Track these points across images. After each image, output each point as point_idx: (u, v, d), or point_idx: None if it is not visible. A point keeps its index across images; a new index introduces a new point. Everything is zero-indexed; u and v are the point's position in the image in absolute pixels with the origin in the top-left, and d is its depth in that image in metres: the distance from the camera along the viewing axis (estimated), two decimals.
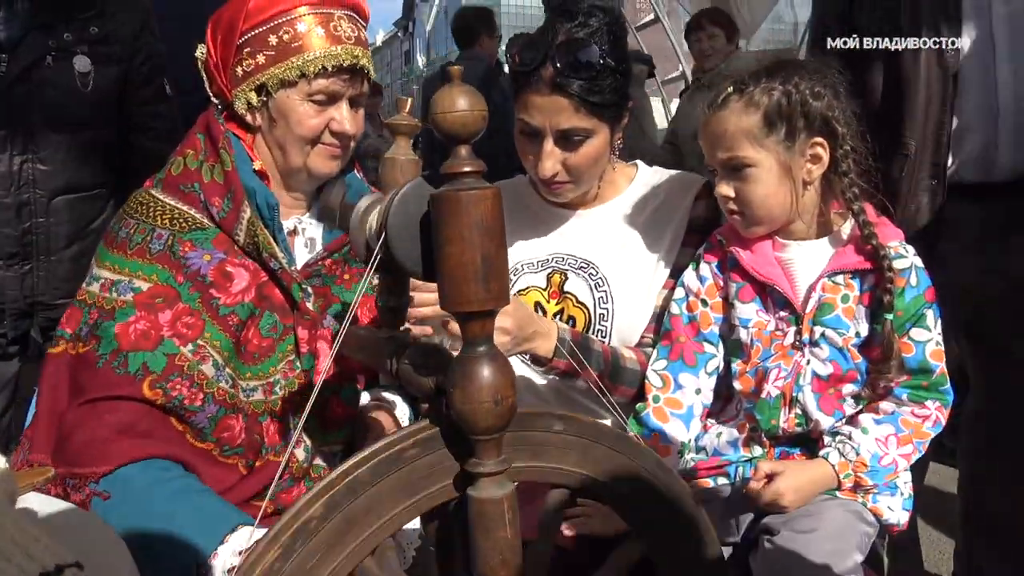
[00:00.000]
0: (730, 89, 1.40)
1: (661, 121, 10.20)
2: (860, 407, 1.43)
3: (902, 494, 1.44)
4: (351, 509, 0.79)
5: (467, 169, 0.77)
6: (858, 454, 1.37)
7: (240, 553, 1.10)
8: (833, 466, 1.37)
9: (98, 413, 1.24)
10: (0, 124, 1.73)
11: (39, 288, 1.84)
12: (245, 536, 1.12)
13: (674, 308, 1.52)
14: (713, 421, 1.53)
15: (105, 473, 1.19)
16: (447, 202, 0.76)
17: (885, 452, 1.37)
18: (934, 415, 1.40)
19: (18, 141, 1.75)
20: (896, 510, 1.41)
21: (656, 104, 10.12)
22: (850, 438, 1.39)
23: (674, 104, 11.14)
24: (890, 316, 1.35)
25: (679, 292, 1.52)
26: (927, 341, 1.38)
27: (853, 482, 1.37)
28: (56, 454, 1.25)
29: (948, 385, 1.41)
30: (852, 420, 1.42)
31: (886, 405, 1.41)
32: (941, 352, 1.39)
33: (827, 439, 1.41)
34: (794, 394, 1.41)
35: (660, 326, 1.56)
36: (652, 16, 10.51)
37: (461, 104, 0.77)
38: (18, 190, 1.77)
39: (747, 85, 1.38)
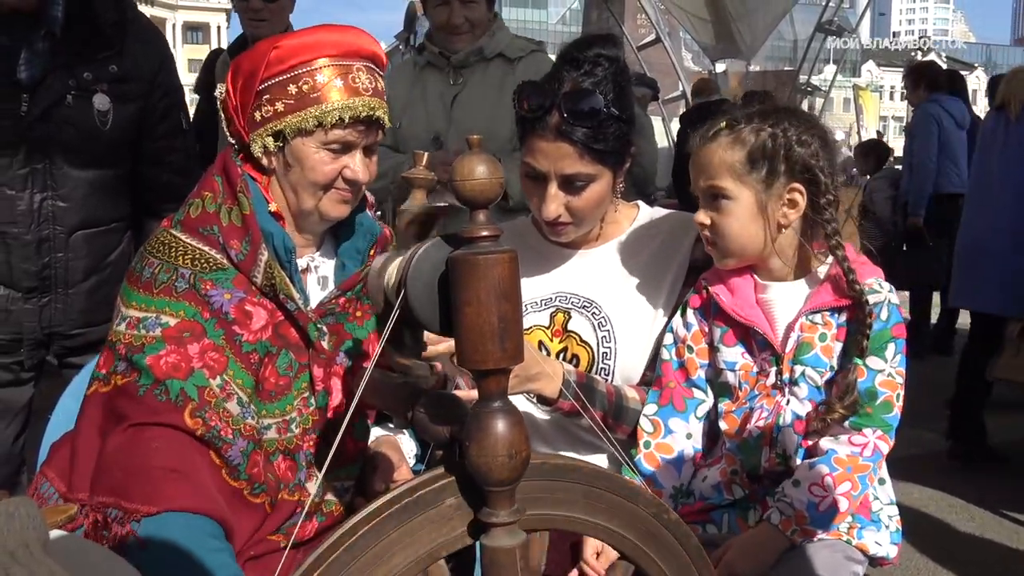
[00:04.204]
0: (723, 124, 1.46)
1: (661, 139, 10.29)
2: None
3: (887, 527, 1.47)
4: (367, 556, 0.83)
5: (485, 233, 0.82)
6: (794, 508, 1.39)
7: None
8: (776, 526, 1.39)
9: (145, 439, 1.26)
10: (21, 162, 1.76)
11: (56, 319, 1.87)
12: None
13: (664, 354, 1.56)
14: (701, 462, 1.56)
15: (150, 514, 1.21)
16: (465, 265, 0.80)
17: (823, 496, 1.38)
18: (872, 443, 1.41)
19: (38, 179, 1.78)
20: (884, 544, 1.45)
21: (656, 123, 10.21)
22: (785, 493, 1.41)
23: (675, 123, 11.24)
24: (860, 361, 1.39)
25: (668, 337, 1.57)
26: (880, 370, 1.41)
27: (802, 535, 1.39)
28: (97, 481, 1.27)
29: (894, 414, 1.42)
30: (790, 471, 1.45)
31: (823, 443, 1.43)
32: (893, 383, 1.42)
33: (768, 500, 1.44)
34: (774, 434, 1.44)
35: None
36: (653, 36, 10.60)
37: (480, 172, 0.82)
38: (38, 226, 1.80)
39: (739, 122, 1.44)
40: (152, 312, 1.34)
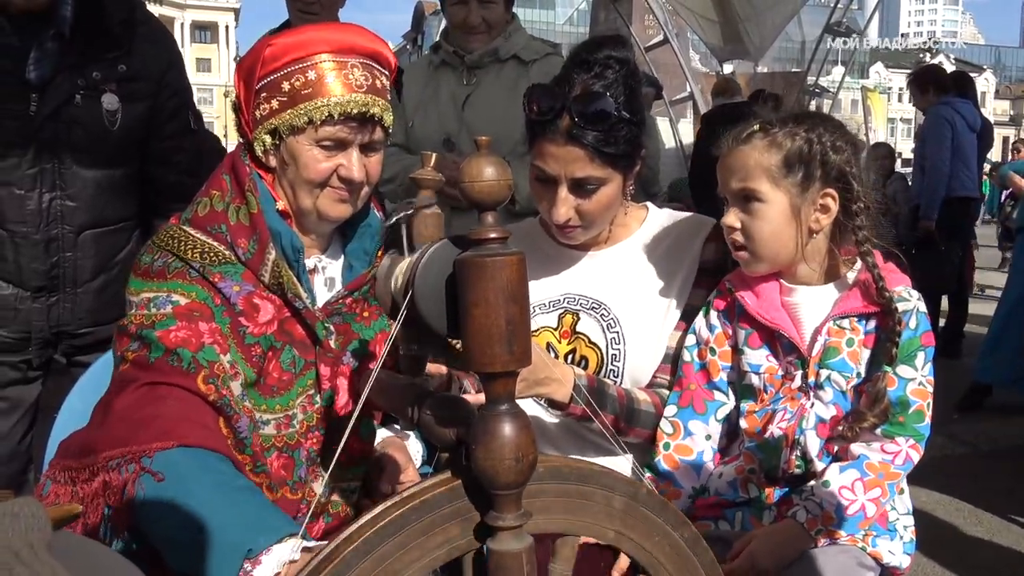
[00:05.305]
0: (755, 127, 1.45)
1: (669, 140, 10.29)
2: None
3: (901, 537, 1.46)
4: (374, 558, 0.83)
5: (492, 235, 0.81)
6: (822, 508, 1.38)
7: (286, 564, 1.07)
8: (802, 524, 1.39)
9: (157, 396, 1.25)
10: (30, 162, 1.76)
11: (64, 318, 1.87)
12: (290, 548, 1.09)
13: (686, 355, 1.56)
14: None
15: (163, 449, 1.18)
16: (473, 267, 0.80)
17: (852, 500, 1.38)
18: (904, 452, 1.41)
19: (47, 179, 1.78)
20: (897, 553, 1.44)
21: (663, 124, 10.21)
22: (813, 493, 1.40)
23: (682, 124, 11.23)
24: (889, 369, 1.39)
25: (690, 339, 1.56)
26: (911, 379, 1.41)
27: (826, 536, 1.38)
28: (104, 439, 1.24)
29: (925, 423, 1.42)
30: (820, 472, 1.44)
31: (855, 448, 1.42)
32: (924, 392, 1.41)
33: (795, 497, 1.44)
34: (796, 436, 1.44)
35: (672, 367, 1.59)
36: (661, 37, 10.59)
37: (488, 174, 0.81)
38: (47, 226, 1.80)
39: (773, 126, 1.44)
40: (163, 292, 1.33)
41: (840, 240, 1.46)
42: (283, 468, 1.36)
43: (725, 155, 1.48)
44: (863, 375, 1.43)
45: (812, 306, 1.47)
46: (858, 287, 1.44)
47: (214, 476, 1.18)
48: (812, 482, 1.43)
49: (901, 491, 1.50)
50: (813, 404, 1.44)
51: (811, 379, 1.44)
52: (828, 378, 1.43)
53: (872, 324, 1.43)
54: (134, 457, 1.19)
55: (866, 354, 1.43)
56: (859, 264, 1.45)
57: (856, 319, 1.43)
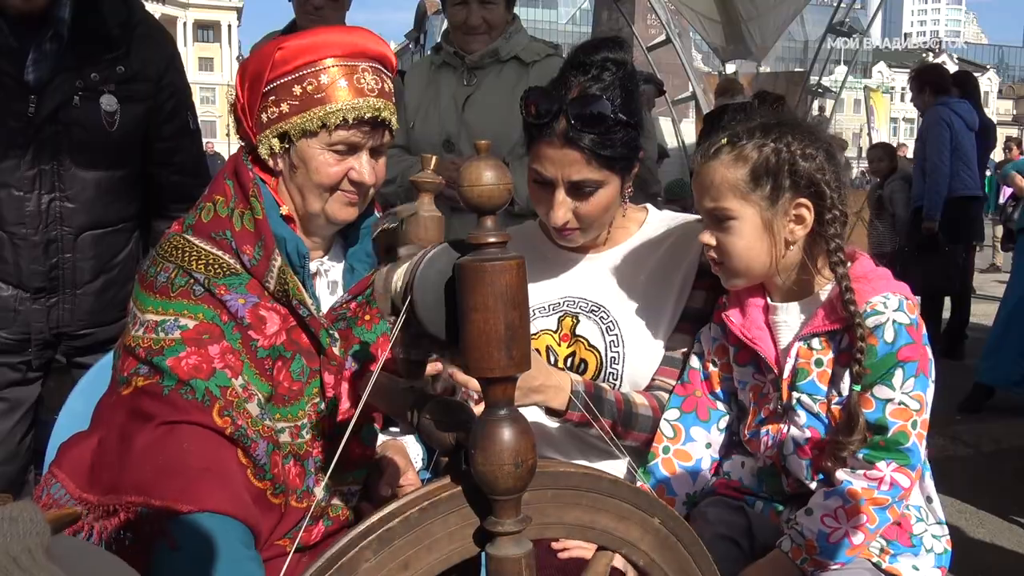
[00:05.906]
0: (723, 140, 1.42)
1: (671, 140, 10.27)
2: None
3: (931, 550, 1.42)
4: (373, 565, 0.82)
5: (492, 240, 0.81)
6: (805, 537, 1.35)
7: None
8: (787, 553, 1.36)
9: (176, 438, 1.25)
10: (29, 164, 1.76)
11: (64, 320, 1.87)
12: None
13: (694, 362, 1.55)
14: (737, 453, 1.55)
15: (183, 512, 1.19)
16: (472, 272, 0.80)
17: (835, 527, 1.33)
18: (888, 477, 1.33)
19: (46, 180, 1.79)
20: (924, 568, 1.40)
21: (666, 124, 10.18)
22: (796, 521, 1.37)
23: (684, 124, 11.22)
24: (857, 387, 1.33)
25: (697, 347, 1.56)
26: (888, 400, 1.33)
27: (812, 565, 1.35)
28: (124, 479, 1.25)
29: (910, 444, 1.33)
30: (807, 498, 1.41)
31: (839, 474, 1.37)
32: (905, 411, 1.33)
33: (783, 526, 1.42)
34: (783, 464, 1.42)
35: (673, 370, 1.59)
36: (664, 36, 10.56)
37: (487, 178, 0.81)
38: (46, 227, 1.80)
39: (740, 138, 1.40)
40: (170, 315, 1.33)
41: (818, 252, 1.41)
42: (297, 476, 1.36)
43: (696, 171, 1.45)
44: (843, 394, 1.37)
45: (792, 325, 1.44)
46: (829, 304, 1.38)
47: (225, 560, 1.18)
48: (798, 511, 1.39)
49: (929, 499, 1.46)
50: (789, 428, 1.41)
51: (784, 401, 1.42)
52: (799, 401, 1.39)
53: (847, 341, 1.37)
54: (153, 516, 1.20)
55: (843, 374, 1.37)
56: None
57: (827, 337, 1.38)
